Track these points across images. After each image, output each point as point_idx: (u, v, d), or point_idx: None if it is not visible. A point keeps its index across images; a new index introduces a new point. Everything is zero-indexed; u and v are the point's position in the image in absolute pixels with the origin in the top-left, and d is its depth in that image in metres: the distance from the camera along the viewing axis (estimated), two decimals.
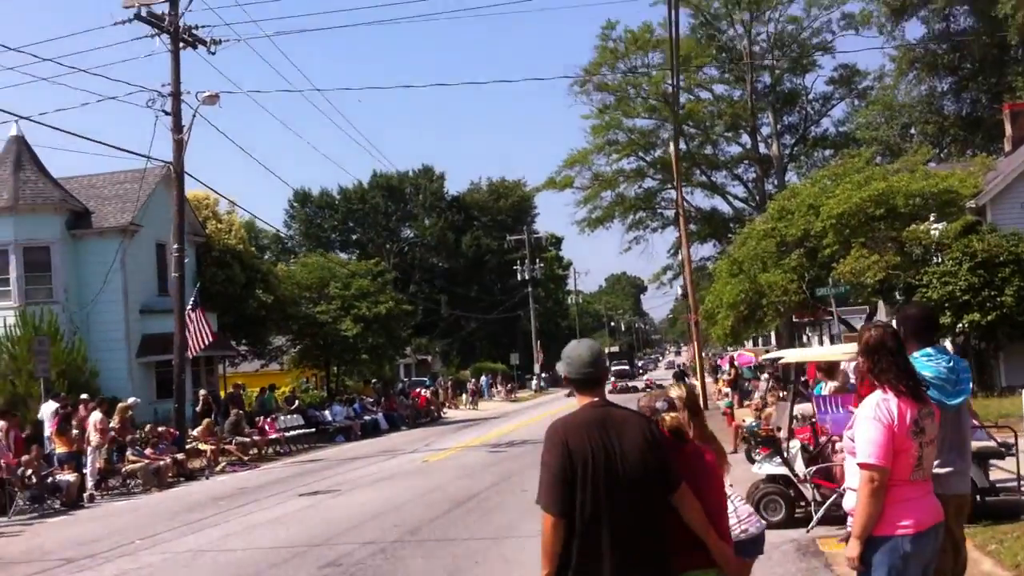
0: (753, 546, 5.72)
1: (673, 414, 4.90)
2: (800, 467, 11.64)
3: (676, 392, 5.42)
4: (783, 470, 11.75)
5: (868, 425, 4.91)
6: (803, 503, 11.58)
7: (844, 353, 15.10)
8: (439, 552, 11.61)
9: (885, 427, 4.86)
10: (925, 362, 5.86)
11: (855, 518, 4.93)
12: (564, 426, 4.50)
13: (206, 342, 27.55)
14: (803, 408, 14.86)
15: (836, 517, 11.11)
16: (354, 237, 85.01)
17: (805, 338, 50.22)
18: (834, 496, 11.22)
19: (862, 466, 4.88)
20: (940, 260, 25.41)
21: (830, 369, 15.00)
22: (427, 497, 16.68)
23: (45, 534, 15.94)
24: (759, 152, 57.83)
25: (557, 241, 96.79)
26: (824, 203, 26.78)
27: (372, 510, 15.43)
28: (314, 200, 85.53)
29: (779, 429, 12.83)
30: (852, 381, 14.95)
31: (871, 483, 4.82)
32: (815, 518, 10.96)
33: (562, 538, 4.32)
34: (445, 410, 49.30)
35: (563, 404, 53.75)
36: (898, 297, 27.92)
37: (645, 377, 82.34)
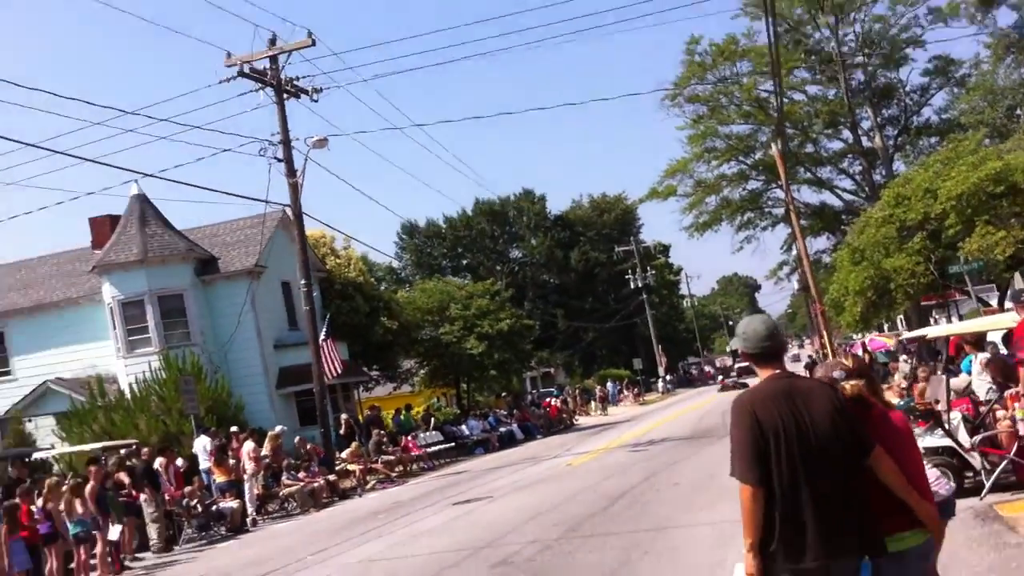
0: (946, 507, 5.74)
1: (853, 382, 4.87)
2: (964, 437, 11.57)
3: (849, 362, 5.42)
4: (946, 442, 11.66)
5: None
6: (970, 473, 11.49)
7: (989, 324, 15.02)
8: (606, 545, 11.80)
9: None
10: None
11: None
12: (751, 399, 4.55)
13: (338, 370, 28.62)
14: (955, 382, 14.75)
15: (1007, 484, 11.08)
16: (464, 262, 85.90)
17: (932, 320, 49.17)
18: (1004, 462, 11.17)
19: None
20: None
21: (978, 341, 14.90)
22: (580, 497, 16.91)
23: (220, 558, 16.67)
24: (862, 146, 57.05)
25: (665, 249, 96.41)
26: (941, 186, 26.34)
27: (529, 512, 15.72)
28: (422, 231, 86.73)
29: (937, 402, 12.74)
30: (1003, 351, 14.82)
31: None
32: (987, 485, 10.92)
33: (762, 507, 4.36)
34: (576, 417, 49.57)
35: (697, 400, 53.62)
36: (1017, 276, 27.28)
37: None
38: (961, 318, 38.56)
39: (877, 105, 57.13)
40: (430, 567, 12.02)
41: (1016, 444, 11.23)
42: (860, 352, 44.67)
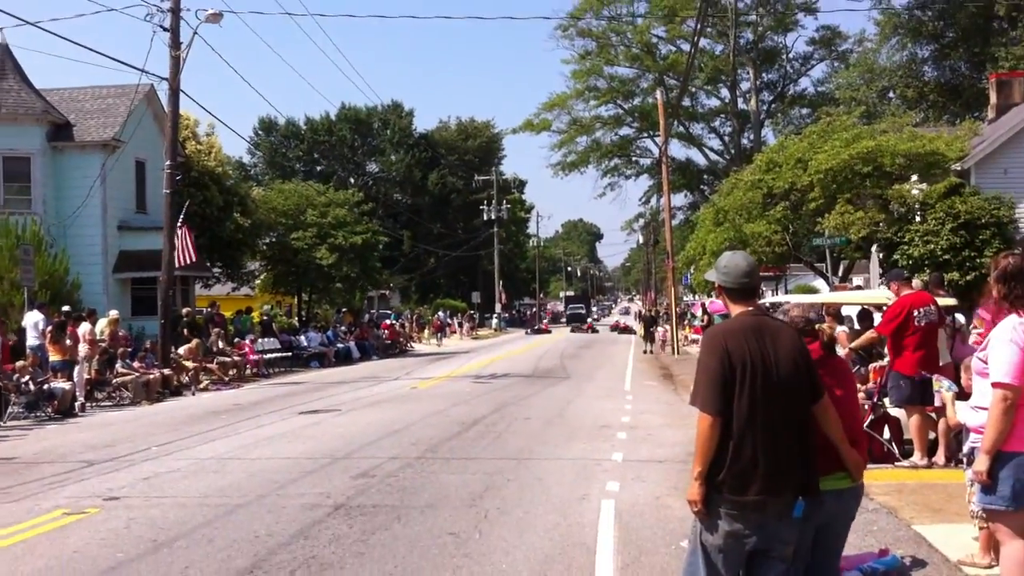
0: None
1: (829, 324, 5.22)
2: None
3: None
4: None
5: (1004, 347, 5.19)
6: None
7: (860, 298, 15.66)
8: (467, 469, 11.82)
9: (1021, 349, 5.13)
10: None
11: (985, 434, 5.21)
12: (723, 332, 4.69)
13: (192, 257, 27.71)
14: None
15: None
16: (319, 168, 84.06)
17: (760, 292, 51.13)
18: None
19: (996, 385, 5.15)
20: (923, 219, 25.84)
21: (837, 315, 15.57)
22: (432, 420, 16.92)
23: (52, 439, 15.89)
24: (737, 107, 58.37)
25: (521, 184, 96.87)
26: (813, 158, 27.07)
27: (382, 429, 15.66)
28: (279, 129, 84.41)
29: None
30: (856, 327, 15.52)
31: (1004, 401, 5.10)
32: None
33: (718, 437, 4.47)
34: (411, 344, 49.55)
35: (533, 340, 54.29)
36: (874, 253, 28.34)
37: (619, 320, 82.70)
38: (787, 292, 40.14)
39: (760, 67, 58.62)
40: (288, 471, 11.80)
41: (868, 417, 11.76)
42: (699, 312, 46.27)
